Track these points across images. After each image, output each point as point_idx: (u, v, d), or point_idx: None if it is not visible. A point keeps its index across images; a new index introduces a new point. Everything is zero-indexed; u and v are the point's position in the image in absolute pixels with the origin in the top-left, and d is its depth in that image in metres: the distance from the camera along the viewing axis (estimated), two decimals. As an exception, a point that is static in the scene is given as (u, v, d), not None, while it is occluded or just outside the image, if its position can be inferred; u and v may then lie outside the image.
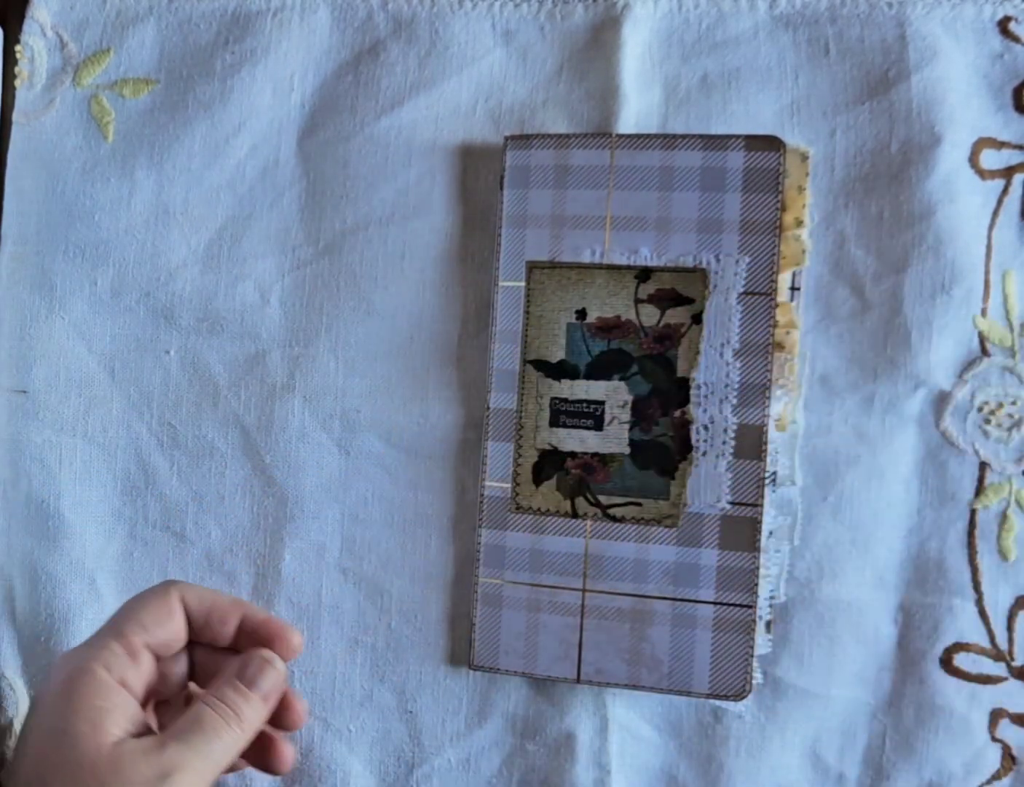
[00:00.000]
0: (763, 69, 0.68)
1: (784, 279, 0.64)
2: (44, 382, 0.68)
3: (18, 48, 0.69)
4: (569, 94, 0.68)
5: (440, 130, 0.68)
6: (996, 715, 0.65)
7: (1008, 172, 0.66)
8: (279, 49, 0.69)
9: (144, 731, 0.55)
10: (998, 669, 0.65)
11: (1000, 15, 0.67)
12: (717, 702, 0.65)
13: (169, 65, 0.69)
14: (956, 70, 0.66)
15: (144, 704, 0.58)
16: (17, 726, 0.68)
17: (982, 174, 0.66)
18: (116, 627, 0.57)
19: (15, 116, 0.69)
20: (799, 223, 0.64)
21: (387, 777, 0.68)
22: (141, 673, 0.57)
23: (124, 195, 0.68)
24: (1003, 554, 0.65)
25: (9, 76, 0.69)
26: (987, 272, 0.66)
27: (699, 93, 0.68)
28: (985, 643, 0.65)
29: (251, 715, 0.57)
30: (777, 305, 0.64)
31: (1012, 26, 0.67)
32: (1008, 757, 0.65)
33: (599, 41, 0.68)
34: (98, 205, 0.68)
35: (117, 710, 0.55)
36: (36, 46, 0.69)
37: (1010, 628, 0.65)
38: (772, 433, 0.63)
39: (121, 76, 0.69)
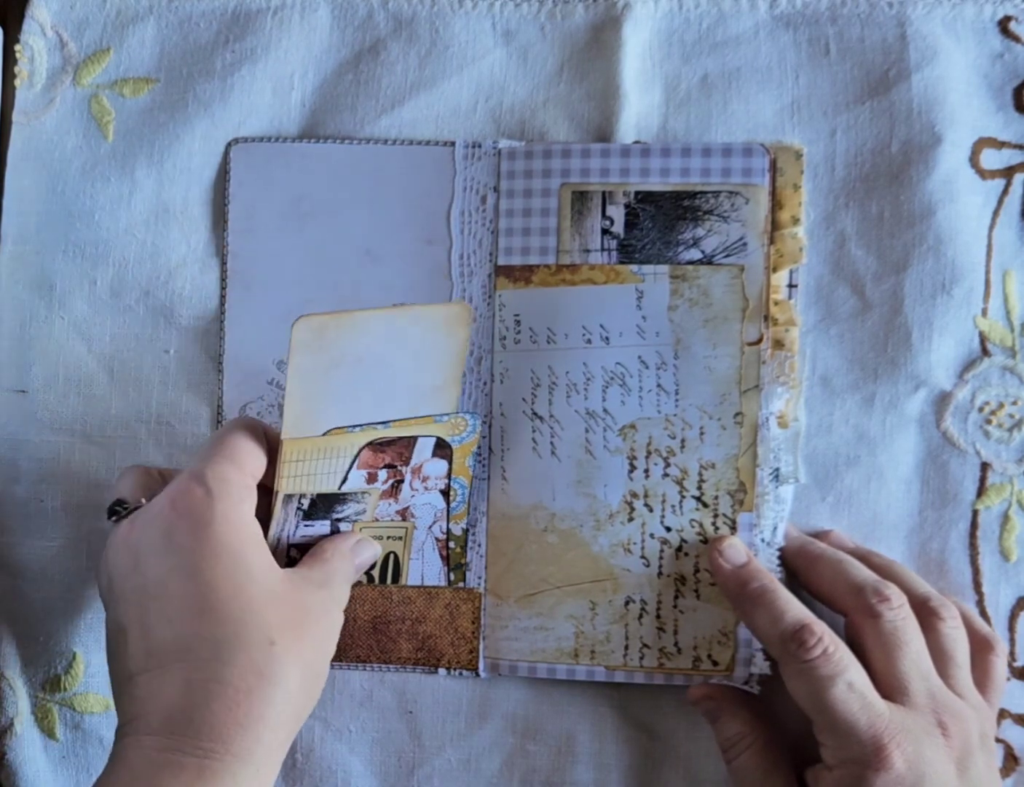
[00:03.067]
0: (763, 69, 0.68)
1: (782, 277, 0.64)
2: (44, 382, 0.68)
3: (18, 48, 0.69)
4: (569, 94, 0.68)
5: (440, 130, 0.68)
6: (998, 715, 0.65)
7: (1008, 172, 0.67)
8: (279, 48, 0.69)
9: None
10: (1000, 669, 0.65)
11: (1000, 15, 0.67)
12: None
13: (169, 64, 0.69)
14: (956, 70, 0.67)
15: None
16: (17, 726, 0.68)
17: (982, 174, 0.66)
18: (229, 454, 0.58)
19: (15, 116, 0.69)
20: (795, 221, 0.64)
21: (388, 777, 0.68)
22: (255, 502, 0.58)
23: (124, 194, 0.68)
24: (1005, 555, 0.65)
25: (9, 76, 0.69)
26: (988, 272, 0.66)
27: (699, 93, 0.68)
28: (986, 643, 0.65)
29: (347, 571, 0.61)
30: (776, 303, 0.64)
31: (1012, 26, 0.67)
32: (1011, 757, 0.66)
33: (599, 41, 0.68)
34: (98, 205, 0.68)
35: (263, 542, 0.57)
36: (36, 46, 0.69)
37: (1011, 629, 0.65)
38: (774, 430, 0.64)
39: (121, 75, 0.69)
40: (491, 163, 0.67)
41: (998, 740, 0.65)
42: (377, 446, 0.63)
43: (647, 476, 0.64)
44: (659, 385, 0.64)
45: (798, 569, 0.64)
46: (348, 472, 0.63)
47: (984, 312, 0.66)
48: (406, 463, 0.64)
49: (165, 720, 0.51)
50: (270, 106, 0.69)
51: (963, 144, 0.66)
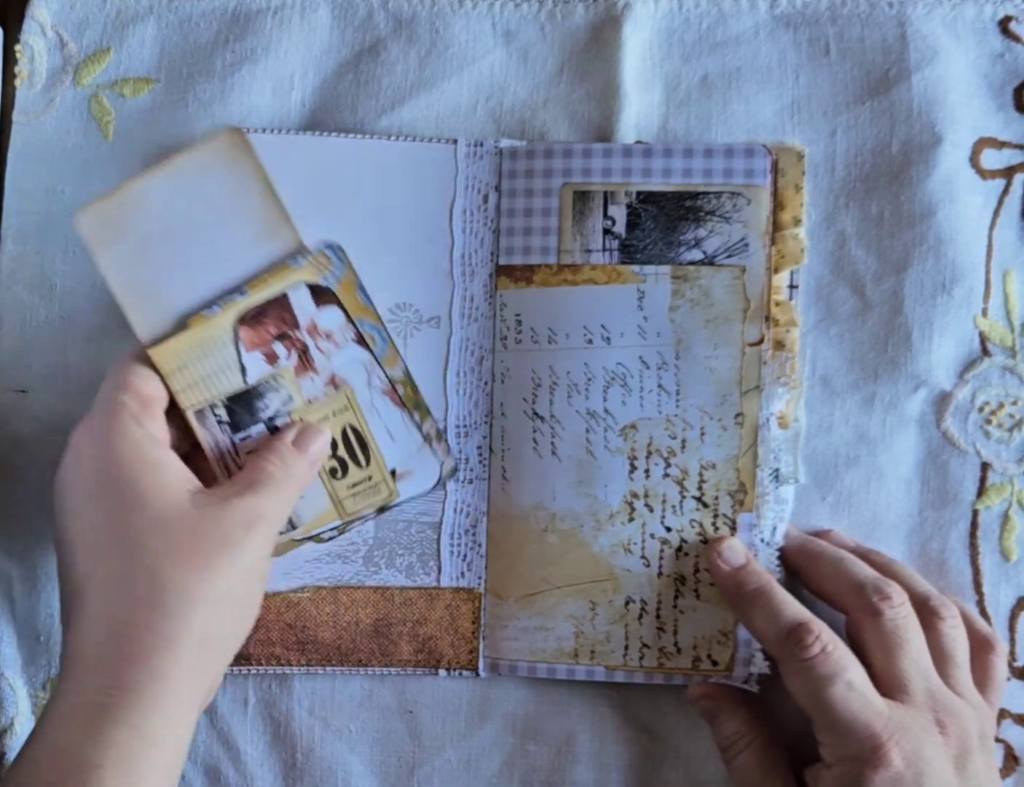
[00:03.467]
0: (763, 69, 0.68)
1: (783, 278, 0.64)
2: (44, 382, 0.68)
3: (18, 48, 0.69)
4: (570, 94, 0.68)
5: (440, 130, 0.68)
6: (998, 716, 0.64)
7: (1009, 172, 0.67)
8: (279, 48, 0.69)
9: (196, 486, 0.57)
10: (1000, 669, 0.65)
11: (1001, 15, 0.67)
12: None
13: (169, 64, 0.69)
14: (957, 70, 0.67)
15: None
16: (17, 726, 0.68)
17: (983, 174, 0.67)
18: (119, 383, 0.57)
19: (15, 116, 0.69)
20: (796, 221, 0.64)
21: (388, 777, 0.68)
22: (160, 425, 0.57)
23: (124, 195, 0.68)
24: (1005, 555, 0.65)
25: (9, 76, 0.69)
26: (988, 272, 0.66)
27: (700, 93, 0.68)
28: (986, 643, 0.65)
29: (301, 476, 0.60)
30: (777, 303, 0.64)
31: (1013, 26, 0.67)
32: (1011, 757, 0.65)
33: (600, 41, 0.68)
34: (98, 205, 0.68)
35: (168, 463, 0.56)
36: (36, 46, 0.69)
37: (1012, 629, 0.66)
38: (775, 430, 0.64)
39: (121, 75, 0.69)
40: (493, 162, 0.67)
41: (998, 740, 0.65)
42: (251, 320, 0.60)
43: (647, 476, 0.64)
44: (660, 385, 0.64)
45: (799, 567, 0.64)
46: (241, 360, 0.61)
47: (984, 312, 0.66)
48: (296, 327, 0.61)
49: (71, 663, 0.53)
50: (270, 106, 0.69)
51: (963, 144, 0.67)
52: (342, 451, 0.63)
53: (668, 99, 0.68)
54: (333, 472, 0.63)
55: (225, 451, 0.61)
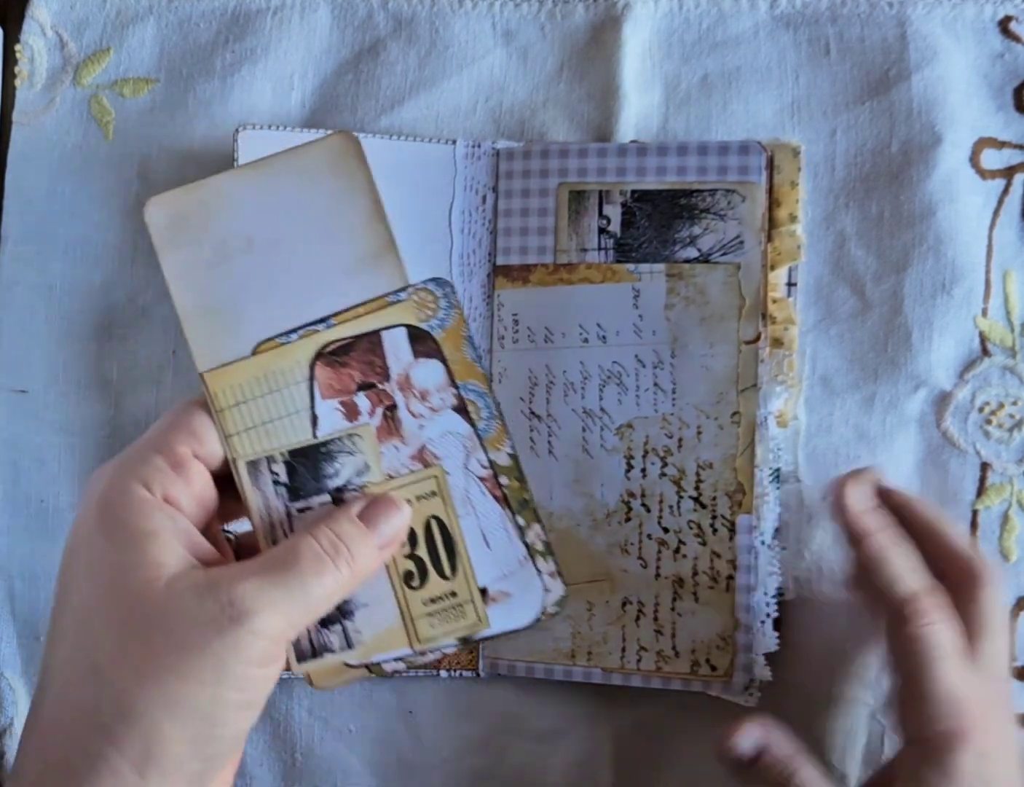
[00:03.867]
0: (763, 69, 0.68)
1: (781, 275, 0.64)
2: (44, 382, 0.68)
3: (18, 48, 0.69)
4: (569, 94, 0.68)
5: (440, 130, 0.68)
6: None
7: (1009, 172, 0.67)
8: (279, 48, 0.69)
9: (211, 561, 0.46)
10: (999, 669, 0.65)
11: (1001, 15, 0.67)
12: (723, 697, 0.65)
13: (169, 64, 0.69)
14: (957, 70, 0.67)
15: (205, 530, 0.48)
16: (17, 726, 0.68)
17: (983, 174, 0.66)
18: (155, 435, 0.47)
19: (15, 116, 0.69)
20: (793, 218, 0.64)
21: (388, 777, 0.68)
22: (193, 489, 0.47)
23: (124, 194, 0.68)
24: (1004, 555, 0.65)
25: (9, 76, 0.70)
26: (988, 272, 0.66)
27: (699, 93, 0.68)
28: (986, 644, 0.65)
29: (367, 559, 0.47)
30: (775, 301, 0.64)
31: (1013, 26, 0.67)
32: (1009, 757, 0.65)
33: (599, 41, 0.68)
34: (98, 204, 0.68)
35: (165, 533, 0.45)
36: (36, 46, 0.69)
37: (1011, 629, 0.65)
38: (773, 429, 0.63)
39: (121, 75, 0.69)
40: (490, 163, 0.67)
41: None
42: (332, 358, 0.49)
43: (644, 476, 0.64)
44: (656, 384, 0.64)
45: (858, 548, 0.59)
46: (313, 407, 0.49)
47: (984, 312, 0.66)
48: (385, 377, 0.50)
49: (24, 750, 0.46)
50: (270, 106, 0.69)
51: (963, 144, 0.66)
52: (422, 550, 0.50)
53: (668, 99, 0.68)
54: (408, 577, 0.50)
55: (276, 521, 0.49)
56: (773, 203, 0.64)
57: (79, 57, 0.69)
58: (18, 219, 0.69)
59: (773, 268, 0.63)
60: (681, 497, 0.64)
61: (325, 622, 0.48)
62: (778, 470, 0.64)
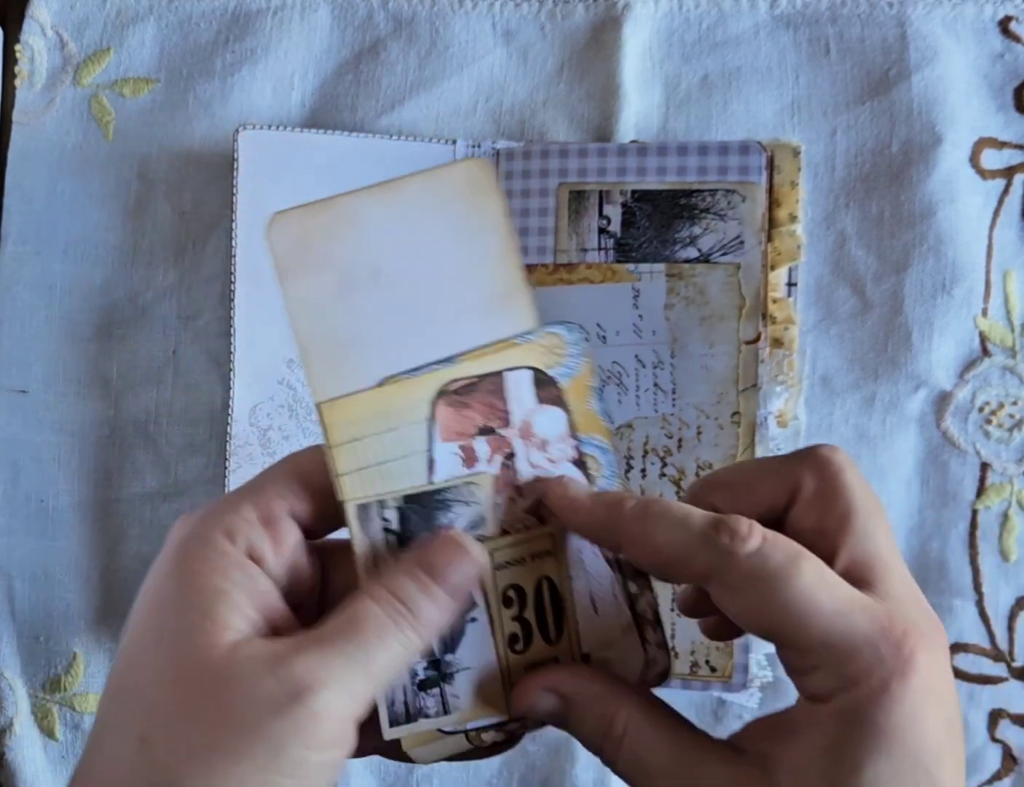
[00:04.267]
0: (764, 69, 0.68)
1: (781, 275, 0.64)
2: (44, 382, 0.68)
3: (18, 48, 0.69)
4: (569, 94, 0.68)
5: (440, 130, 0.68)
6: (996, 715, 0.65)
7: (1009, 172, 0.67)
8: (279, 48, 0.69)
9: (289, 631, 0.41)
10: (998, 670, 0.65)
11: (1001, 15, 0.67)
12: (723, 697, 0.65)
13: (169, 64, 0.69)
14: (957, 70, 0.67)
15: (293, 595, 0.43)
16: (16, 727, 0.68)
17: (983, 174, 0.66)
18: (255, 485, 0.44)
19: (15, 116, 0.69)
20: (793, 218, 0.64)
21: (387, 777, 0.68)
22: (283, 550, 0.42)
23: (124, 194, 0.68)
24: (1004, 555, 0.65)
25: (9, 76, 0.69)
26: (988, 272, 0.66)
27: (700, 93, 0.68)
28: (985, 644, 0.65)
29: (432, 615, 0.41)
30: (775, 301, 0.64)
31: (1013, 26, 0.67)
32: (1009, 757, 0.65)
33: (600, 41, 0.68)
34: (98, 205, 0.68)
35: (240, 593, 0.41)
36: (36, 46, 0.69)
37: (1011, 629, 0.65)
38: (774, 429, 0.63)
39: (121, 75, 0.69)
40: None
41: (997, 740, 0.65)
42: (454, 397, 0.45)
43: (644, 476, 0.64)
44: (656, 384, 0.64)
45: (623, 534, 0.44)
46: (431, 449, 0.45)
47: (984, 312, 0.66)
48: (507, 422, 0.45)
49: None
50: (270, 106, 0.69)
51: (963, 144, 0.66)
52: (530, 612, 0.45)
53: (668, 99, 0.68)
54: (512, 640, 0.44)
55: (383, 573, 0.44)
56: (773, 203, 0.64)
57: (79, 57, 0.69)
58: (18, 219, 0.69)
59: (773, 268, 0.63)
60: (681, 498, 0.64)
61: (424, 685, 0.44)
62: (778, 470, 0.64)
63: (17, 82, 0.69)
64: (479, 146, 0.67)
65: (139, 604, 0.42)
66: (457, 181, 0.45)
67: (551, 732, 0.66)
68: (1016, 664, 0.65)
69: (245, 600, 0.41)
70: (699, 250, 0.64)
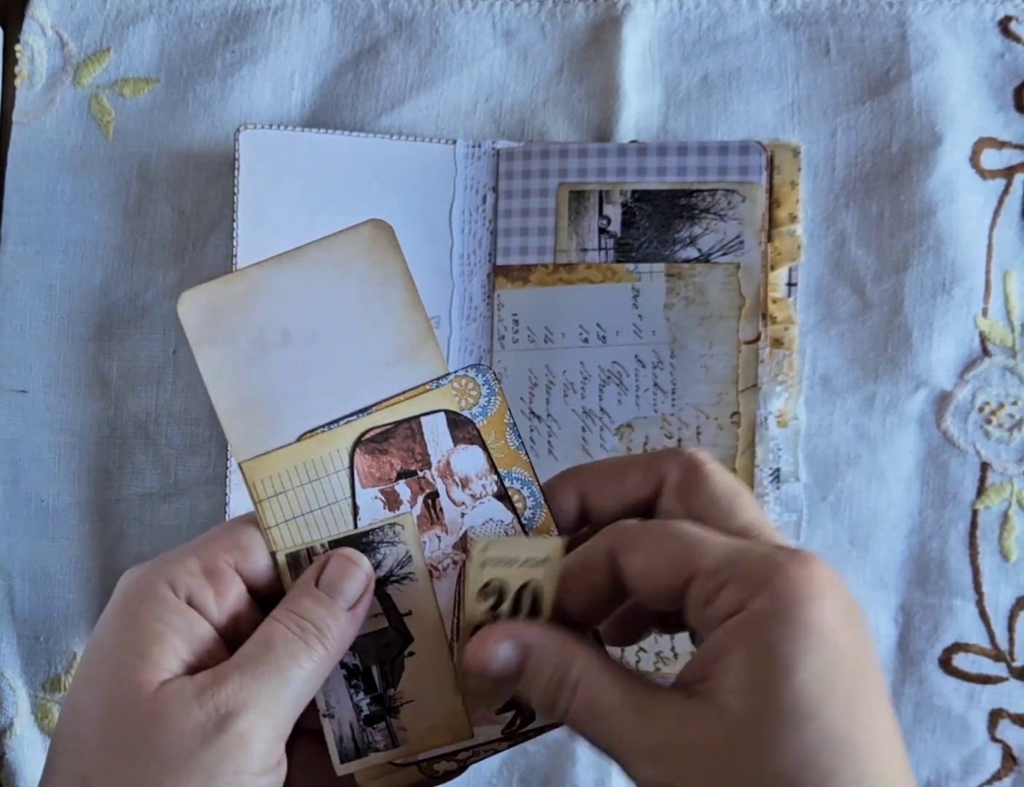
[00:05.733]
0: (764, 69, 0.68)
1: (781, 275, 0.64)
2: (44, 382, 0.68)
3: (18, 48, 0.69)
4: (569, 94, 0.68)
5: (440, 130, 0.68)
6: (996, 715, 0.65)
7: (1009, 172, 0.67)
8: (279, 48, 0.69)
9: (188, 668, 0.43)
10: (998, 669, 0.65)
11: (1001, 15, 0.67)
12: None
13: (169, 64, 0.69)
14: (957, 70, 0.67)
15: (238, 644, 0.44)
16: (17, 727, 0.68)
17: (983, 174, 0.66)
18: (199, 541, 0.45)
19: (15, 116, 0.69)
20: (793, 218, 0.64)
21: (387, 777, 0.68)
22: (225, 601, 0.44)
23: (124, 194, 0.68)
24: (1004, 555, 0.65)
25: (9, 76, 0.69)
26: (988, 272, 0.66)
27: (699, 93, 0.68)
28: (985, 643, 0.65)
29: (336, 630, 0.44)
30: (775, 301, 0.64)
31: (1013, 26, 0.67)
32: (1009, 757, 0.65)
33: (600, 41, 0.68)
34: (98, 205, 0.68)
35: (176, 636, 0.42)
36: (36, 46, 0.69)
37: (1011, 628, 0.65)
38: (774, 429, 0.63)
39: (121, 75, 0.69)
40: (490, 163, 0.67)
41: (997, 739, 0.65)
42: (372, 445, 0.47)
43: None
44: (656, 384, 0.64)
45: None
46: (354, 495, 0.47)
47: (984, 312, 0.66)
48: (426, 464, 0.48)
49: None
50: (270, 106, 0.69)
51: (963, 144, 0.66)
52: (506, 607, 0.45)
53: (668, 99, 0.68)
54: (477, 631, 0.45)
55: None
56: (773, 203, 0.64)
57: (79, 57, 0.69)
58: (18, 219, 0.69)
59: (773, 268, 0.63)
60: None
61: (370, 720, 0.46)
62: (778, 470, 0.64)
63: (17, 82, 0.69)
64: (479, 146, 0.67)
65: (86, 650, 0.45)
66: (358, 244, 0.48)
67: (551, 732, 0.66)
68: (1016, 664, 0.65)
69: (181, 643, 0.42)
70: (699, 250, 0.64)
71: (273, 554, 0.46)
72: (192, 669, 0.42)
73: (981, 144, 0.67)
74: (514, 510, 0.48)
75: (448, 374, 0.48)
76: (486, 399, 0.48)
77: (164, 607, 0.43)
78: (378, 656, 0.47)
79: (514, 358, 0.65)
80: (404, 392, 0.48)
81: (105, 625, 0.44)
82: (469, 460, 0.48)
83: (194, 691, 0.41)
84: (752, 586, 0.38)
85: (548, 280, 0.65)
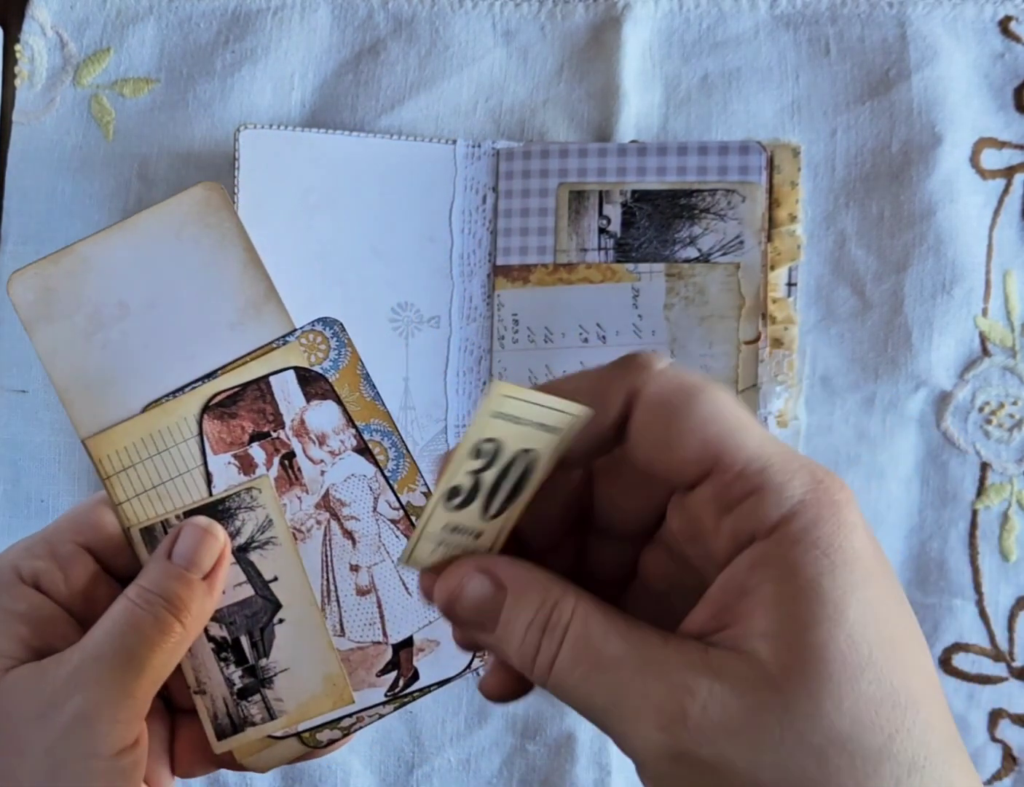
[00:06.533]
0: (764, 69, 0.68)
1: (781, 275, 0.64)
2: (44, 382, 0.68)
3: (18, 48, 0.69)
4: (569, 94, 0.68)
5: (440, 130, 0.68)
6: (996, 715, 0.65)
7: (1009, 172, 0.67)
8: (279, 48, 0.69)
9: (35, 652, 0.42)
10: (998, 669, 0.65)
11: (1001, 15, 0.67)
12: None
13: (169, 64, 0.69)
14: (957, 70, 0.67)
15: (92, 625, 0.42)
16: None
17: (983, 174, 0.66)
18: (53, 524, 0.46)
19: (15, 116, 0.69)
20: (793, 218, 0.64)
21: (387, 777, 0.68)
22: (75, 582, 0.43)
23: (124, 194, 0.68)
24: (1004, 555, 0.65)
25: (9, 76, 0.69)
26: (988, 272, 0.66)
27: (700, 93, 0.68)
28: (985, 644, 0.65)
29: (191, 602, 0.42)
30: (775, 301, 0.64)
31: (1013, 26, 0.67)
32: (1009, 757, 0.65)
33: (599, 41, 0.68)
34: (98, 205, 0.68)
35: (21, 623, 0.42)
36: (36, 46, 0.69)
37: (1010, 629, 0.65)
38: (774, 429, 0.63)
39: (121, 75, 0.69)
40: (490, 163, 0.67)
41: (997, 739, 0.65)
42: (220, 409, 0.46)
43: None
44: (656, 384, 0.64)
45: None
46: (206, 462, 0.46)
47: (984, 312, 0.66)
48: (279, 424, 0.46)
49: None
50: (270, 106, 0.69)
51: (963, 144, 0.66)
52: (490, 474, 0.38)
53: (668, 99, 0.68)
54: (453, 493, 0.37)
55: None
56: (773, 203, 0.64)
57: (79, 57, 0.69)
58: (18, 219, 0.69)
59: (773, 268, 0.63)
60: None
61: (243, 693, 0.45)
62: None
63: (17, 82, 0.69)
64: (479, 146, 0.67)
65: None
66: (190, 208, 0.47)
67: (551, 732, 0.66)
68: (1016, 664, 0.65)
69: (26, 630, 0.41)
70: (699, 250, 0.64)
71: (127, 530, 0.45)
72: (42, 654, 0.41)
73: (981, 144, 0.67)
74: (376, 463, 0.47)
75: (294, 331, 0.47)
76: (336, 352, 0.47)
77: (8, 595, 0.42)
78: (247, 626, 0.46)
79: (514, 358, 0.65)
80: (250, 353, 0.46)
81: None
82: (324, 416, 0.47)
83: (36, 675, 0.40)
84: (790, 501, 0.31)
85: (548, 280, 0.65)
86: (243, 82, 0.69)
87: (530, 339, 0.65)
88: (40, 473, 0.68)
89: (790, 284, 0.65)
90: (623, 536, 0.37)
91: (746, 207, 0.63)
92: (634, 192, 0.64)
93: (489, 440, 0.36)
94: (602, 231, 0.65)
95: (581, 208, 0.65)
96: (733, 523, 0.32)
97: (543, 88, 0.69)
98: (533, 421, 0.35)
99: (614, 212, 0.64)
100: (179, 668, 0.44)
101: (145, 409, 0.46)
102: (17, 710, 0.39)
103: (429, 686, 0.46)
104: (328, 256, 0.67)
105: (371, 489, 0.47)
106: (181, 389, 0.46)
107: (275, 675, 0.46)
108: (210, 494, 0.46)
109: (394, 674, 0.46)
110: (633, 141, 0.66)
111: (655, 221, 0.64)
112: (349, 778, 0.67)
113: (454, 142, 0.67)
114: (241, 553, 0.45)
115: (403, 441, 0.47)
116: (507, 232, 0.66)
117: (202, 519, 0.45)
